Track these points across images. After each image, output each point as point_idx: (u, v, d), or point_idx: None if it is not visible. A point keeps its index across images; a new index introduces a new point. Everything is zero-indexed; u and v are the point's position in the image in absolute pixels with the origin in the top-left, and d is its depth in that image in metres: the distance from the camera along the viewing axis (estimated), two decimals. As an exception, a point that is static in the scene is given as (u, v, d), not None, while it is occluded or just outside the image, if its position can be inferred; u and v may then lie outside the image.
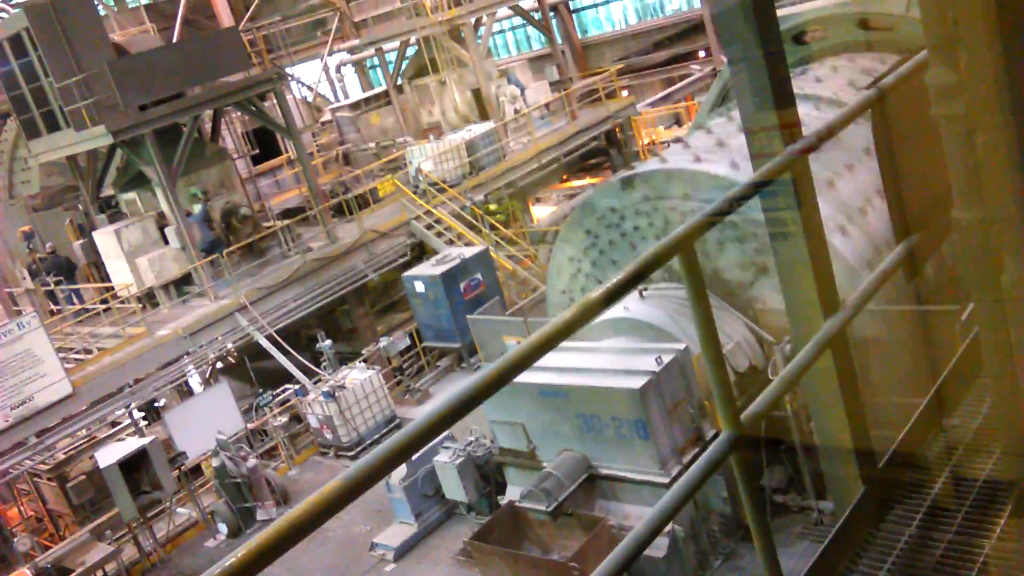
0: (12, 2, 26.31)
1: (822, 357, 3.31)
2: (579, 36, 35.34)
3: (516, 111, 25.26)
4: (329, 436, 16.45)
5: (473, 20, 25.72)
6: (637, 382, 9.40)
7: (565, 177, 27.71)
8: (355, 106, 29.29)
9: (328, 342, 17.85)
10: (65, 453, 16.42)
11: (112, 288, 19.64)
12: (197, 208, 19.87)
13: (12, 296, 22.66)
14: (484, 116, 25.74)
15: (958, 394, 3.90)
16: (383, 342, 18.24)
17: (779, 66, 3.86)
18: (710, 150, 11.03)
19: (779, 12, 4.14)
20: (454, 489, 12.54)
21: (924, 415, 3.81)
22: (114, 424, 17.33)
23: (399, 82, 28.09)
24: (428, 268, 18.48)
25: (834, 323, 3.38)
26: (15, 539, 16.42)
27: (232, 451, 15.17)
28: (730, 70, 4.04)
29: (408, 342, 18.65)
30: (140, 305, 18.68)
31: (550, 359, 8.18)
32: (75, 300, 20.63)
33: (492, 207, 23.32)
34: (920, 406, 3.83)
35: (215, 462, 15.15)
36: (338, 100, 34.77)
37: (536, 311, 14.55)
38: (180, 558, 15.18)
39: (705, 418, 10.00)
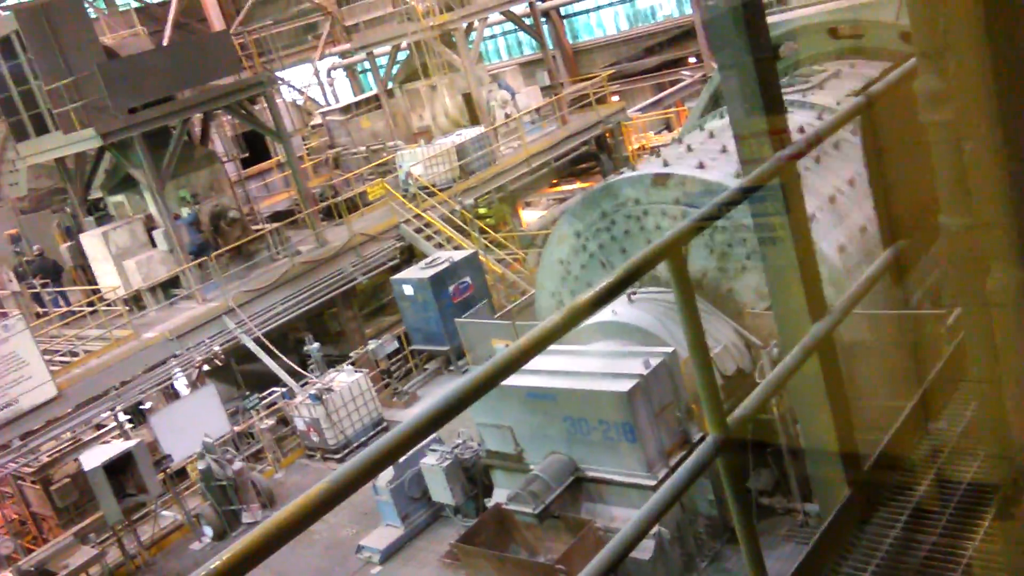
0: (2, 4, 26.20)
1: (809, 361, 3.33)
2: (570, 41, 35.42)
3: (507, 116, 25.28)
4: (316, 439, 16.41)
5: (464, 25, 25.74)
6: (625, 385, 9.41)
7: (555, 182, 27.75)
8: (345, 110, 29.25)
9: (316, 345, 17.82)
10: (49, 456, 16.30)
11: (99, 291, 19.56)
12: (186, 212, 19.82)
13: (-2, 298, 22.52)
14: (475, 121, 25.75)
15: (943, 398, 3.93)
16: (371, 345, 18.22)
17: (769, 72, 3.88)
18: (713, 155, 11.06)
19: (769, 19, 4.16)
20: (441, 492, 12.53)
21: (909, 418, 3.83)
22: (99, 427, 17.23)
23: (390, 86, 28.09)
24: (417, 271, 18.47)
25: (821, 327, 3.40)
26: (-1, 542, 16.33)
27: (218, 454, 15.12)
28: (720, 76, 4.06)
29: (396, 345, 18.63)
30: (127, 308, 18.60)
31: (538, 362, 8.20)
32: (61, 303, 20.53)
33: (482, 211, 23.34)
34: (906, 410, 3.85)
35: (201, 465, 15.09)
36: (328, 104, 34.71)
37: (525, 315, 14.55)
38: (165, 561, 15.11)
39: (692, 421, 10.02)
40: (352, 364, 17.60)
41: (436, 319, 17.90)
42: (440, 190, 22.30)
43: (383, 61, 28.36)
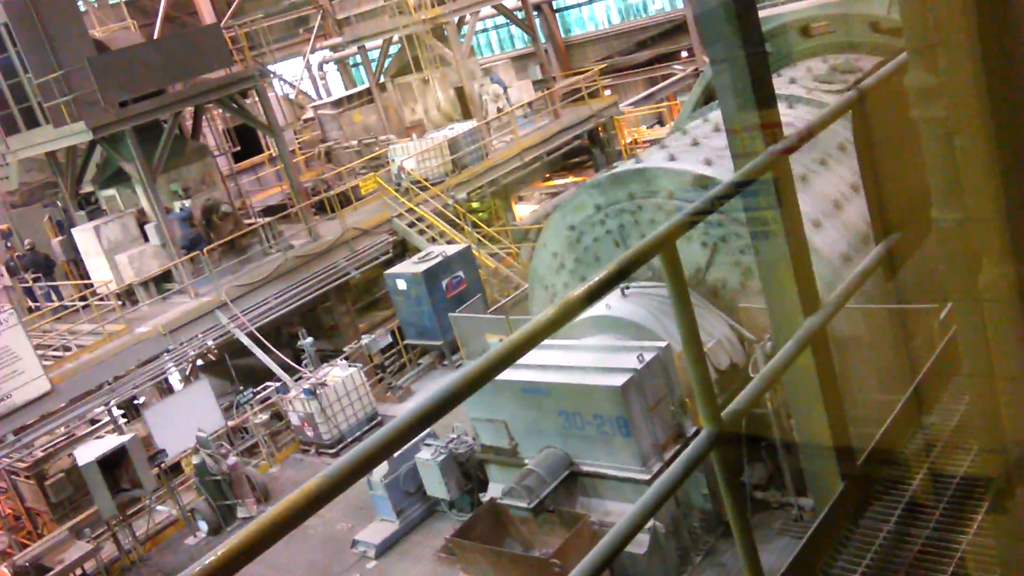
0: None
1: (802, 355, 3.34)
2: (562, 35, 35.39)
3: (499, 110, 25.27)
4: (310, 433, 16.41)
5: (456, 19, 25.70)
6: (619, 379, 9.43)
7: (548, 176, 27.74)
8: (337, 104, 29.19)
9: (309, 339, 17.80)
10: (43, 451, 16.29)
11: (91, 285, 19.51)
12: (178, 206, 19.77)
13: (-10, 293, 22.45)
14: (467, 114, 25.73)
15: (936, 392, 3.95)
16: (365, 339, 18.21)
17: (761, 66, 3.88)
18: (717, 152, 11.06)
19: (761, 13, 4.17)
20: (436, 486, 12.54)
21: (903, 413, 3.85)
22: (93, 421, 17.21)
23: (382, 80, 28.03)
24: (410, 266, 18.46)
25: (814, 321, 3.40)
26: (-8, 537, 16.31)
27: (212, 449, 15.11)
28: (712, 70, 4.06)
29: (390, 339, 18.62)
30: (119, 302, 18.55)
31: (532, 357, 8.20)
32: (53, 297, 20.47)
33: (475, 205, 23.34)
34: (899, 404, 3.87)
35: (195, 459, 15.09)
36: (320, 98, 34.64)
37: (518, 309, 14.56)
38: (160, 556, 15.10)
39: (686, 415, 10.05)
40: (346, 359, 17.59)
41: (430, 313, 17.91)
42: (433, 184, 22.28)
43: (375, 55, 28.31)
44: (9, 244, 21.43)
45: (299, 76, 35.28)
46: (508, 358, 2.20)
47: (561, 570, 9.30)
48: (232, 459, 15.17)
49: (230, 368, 18.60)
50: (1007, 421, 2.70)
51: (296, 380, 17.14)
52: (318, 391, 15.99)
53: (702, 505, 10.17)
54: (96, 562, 14.45)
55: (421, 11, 24.76)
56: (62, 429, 16.55)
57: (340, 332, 20.74)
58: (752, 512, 10.06)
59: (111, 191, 20.60)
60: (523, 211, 27.20)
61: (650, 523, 9.14)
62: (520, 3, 28.69)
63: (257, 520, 1.76)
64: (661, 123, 29.24)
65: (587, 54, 34.53)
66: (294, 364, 17.77)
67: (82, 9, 22.24)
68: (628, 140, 26.93)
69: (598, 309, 10.75)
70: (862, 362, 7.69)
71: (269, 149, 27.96)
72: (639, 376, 9.52)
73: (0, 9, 18.27)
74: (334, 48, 32.82)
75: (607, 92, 28.88)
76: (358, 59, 31.92)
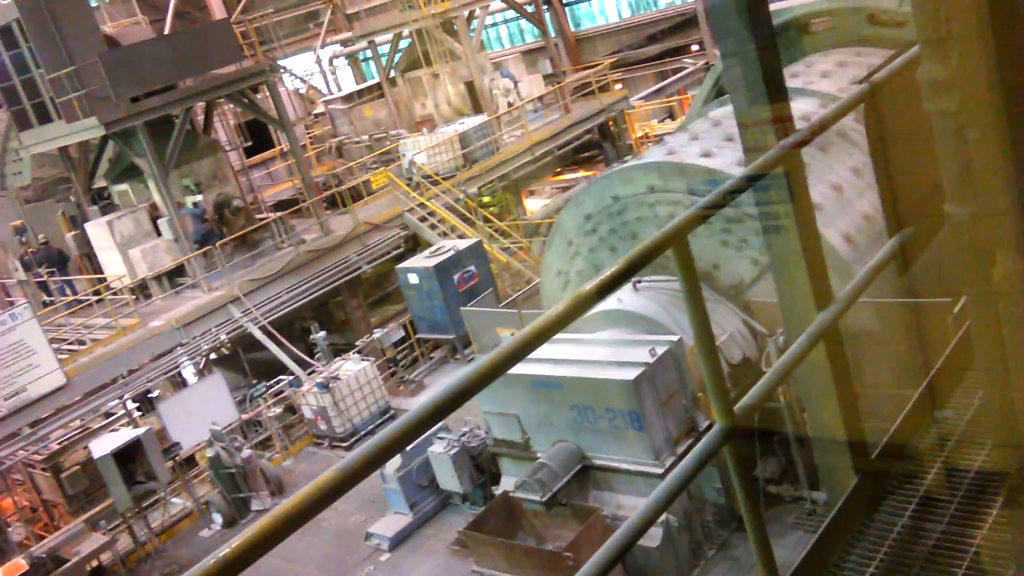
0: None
1: (815, 349, 3.33)
2: (572, 29, 35.28)
3: (509, 104, 25.23)
4: (323, 427, 16.47)
5: (466, 13, 25.65)
6: (631, 373, 9.43)
7: (559, 170, 27.69)
8: (348, 98, 29.20)
9: (322, 333, 17.85)
10: (59, 444, 16.40)
11: (105, 279, 19.60)
12: (190, 201, 19.84)
13: (4, 287, 22.60)
14: (477, 109, 25.70)
15: (950, 386, 3.93)
16: (377, 333, 18.25)
17: (772, 60, 3.87)
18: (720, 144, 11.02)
19: (772, 6, 4.15)
20: (448, 479, 12.57)
21: (917, 407, 3.84)
22: (108, 415, 17.31)
23: (392, 75, 28.02)
24: (422, 260, 18.48)
25: (827, 315, 3.40)
26: (10, 529, 16.43)
27: (226, 442, 15.18)
28: (723, 64, 4.05)
29: (402, 333, 18.65)
30: (133, 296, 18.64)
31: (544, 351, 8.20)
32: (67, 291, 20.58)
33: (486, 199, 23.32)
34: (913, 398, 3.85)
35: (209, 453, 15.16)
36: (331, 92, 34.66)
37: (529, 303, 14.56)
38: (175, 548, 15.19)
39: (699, 409, 10.04)
40: (358, 353, 17.64)
41: (441, 308, 17.93)
42: (443, 179, 22.28)
43: (385, 49, 28.29)
44: (24, 239, 21.54)
45: (309, 71, 35.31)
46: (520, 352, 2.20)
47: (574, 564, 9.32)
48: (246, 452, 15.24)
49: (243, 362, 18.67)
50: (1022, 416, 2.69)
51: (309, 374, 17.19)
52: (331, 385, 16.04)
53: (715, 499, 10.16)
54: (112, 554, 14.57)
55: (431, 5, 24.73)
56: (77, 422, 16.65)
57: (352, 326, 20.78)
58: (765, 506, 10.05)
59: (123, 186, 20.68)
60: (534, 205, 27.18)
61: (663, 517, 9.14)
62: (530, -4, 28.64)
63: (271, 513, 1.77)
64: (672, 117, 29.14)
65: (597, 48, 34.42)
66: (307, 358, 17.83)
67: (93, 5, 22.32)
68: (639, 134, 26.85)
69: (610, 303, 10.74)
70: (875, 356, 7.67)
71: (280, 144, 28.02)
72: (651, 370, 9.51)
73: (12, 5, 18.35)
74: (344, 43, 32.84)
75: (618, 86, 28.79)
76: (368, 54, 31.92)
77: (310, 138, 29.22)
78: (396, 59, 28.01)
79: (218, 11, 30.26)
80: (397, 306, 21.53)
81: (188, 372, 18.60)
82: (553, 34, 32.52)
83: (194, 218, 19.53)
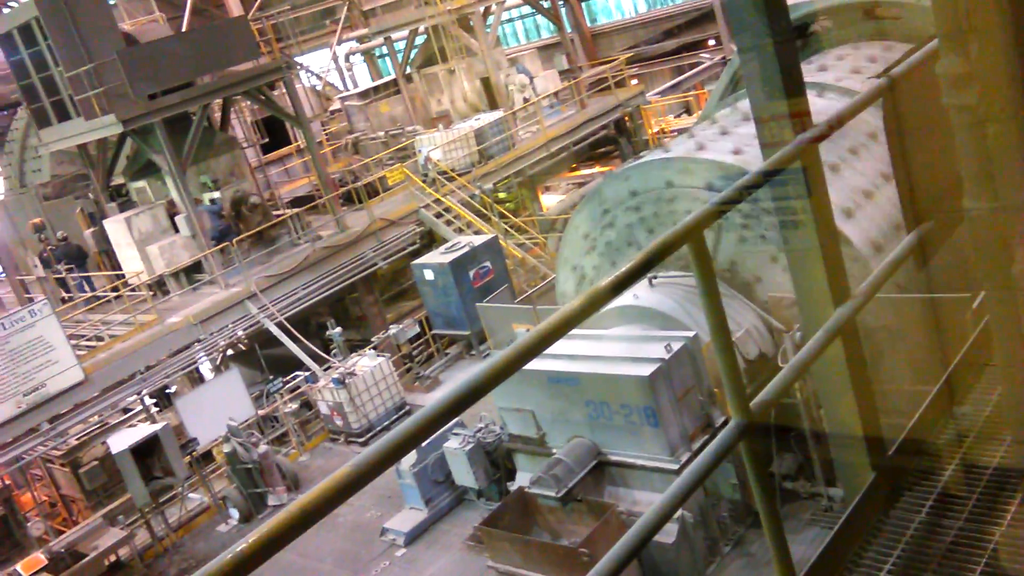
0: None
1: (832, 345, 3.31)
2: (588, 24, 35.20)
3: (525, 100, 25.20)
4: (339, 423, 16.52)
5: (482, 9, 25.65)
6: (646, 369, 9.41)
7: (574, 166, 27.65)
8: (364, 95, 29.26)
9: (338, 329, 17.91)
10: (78, 439, 16.53)
11: (123, 276, 19.73)
12: (207, 197, 19.94)
13: (24, 284, 22.79)
14: (493, 105, 25.70)
15: (969, 382, 3.90)
16: (393, 329, 18.29)
17: (789, 55, 3.84)
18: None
19: (789, 1, 4.12)
20: (464, 475, 12.59)
21: (934, 403, 3.81)
22: (126, 410, 17.43)
23: (408, 71, 28.06)
24: (437, 256, 18.50)
25: (844, 311, 3.38)
26: (29, 524, 16.59)
27: (243, 437, 15.25)
28: (740, 59, 4.03)
29: (418, 329, 18.68)
30: (151, 293, 18.75)
31: (559, 347, 8.21)
32: (86, 288, 20.72)
33: (501, 195, 23.32)
34: (930, 394, 3.83)
35: (226, 448, 15.24)
36: (347, 89, 34.75)
37: (545, 299, 14.55)
38: (192, 543, 15.29)
39: (715, 405, 10.01)
40: (374, 348, 17.69)
41: (457, 304, 17.95)
42: (459, 175, 22.30)
43: (401, 46, 28.32)
44: (43, 236, 21.72)
45: (326, 67, 35.40)
46: (535, 348, 2.20)
47: (589, 559, 9.31)
48: (263, 448, 15.31)
49: (260, 358, 18.75)
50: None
51: (325, 370, 17.25)
52: (347, 381, 16.09)
53: (731, 495, 10.14)
54: (130, 549, 14.66)
55: (447, 1, 24.74)
56: (96, 418, 16.77)
57: (368, 322, 20.84)
58: (781, 502, 10.02)
59: (141, 183, 20.81)
60: (549, 201, 27.15)
61: (678, 513, 9.13)
62: (546, -8, 28.58)
63: (287, 508, 1.78)
64: (688, 112, 29.04)
65: (613, 43, 34.33)
66: (323, 354, 17.89)
67: (111, 2, 22.44)
68: (655, 130, 26.77)
69: (625, 299, 10.72)
70: (892, 352, 7.62)
71: (297, 141, 28.10)
72: (667, 366, 9.49)
73: (31, 4, 18.48)
74: (360, 39, 32.94)
75: (634, 81, 28.73)
76: (384, 50, 31.97)
77: (326, 135, 29.30)
78: (412, 55, 28.04)
79: (235, 8, 30.36)
80: (413, 302, 21.57)
81: (205, 368, 18.71)
82: (569, 29, 32.47)
83: (211, 215, 19.63)
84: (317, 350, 17.95)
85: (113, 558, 14.41)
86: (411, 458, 12.79)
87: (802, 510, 9.98)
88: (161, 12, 23.42)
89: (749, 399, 2.77)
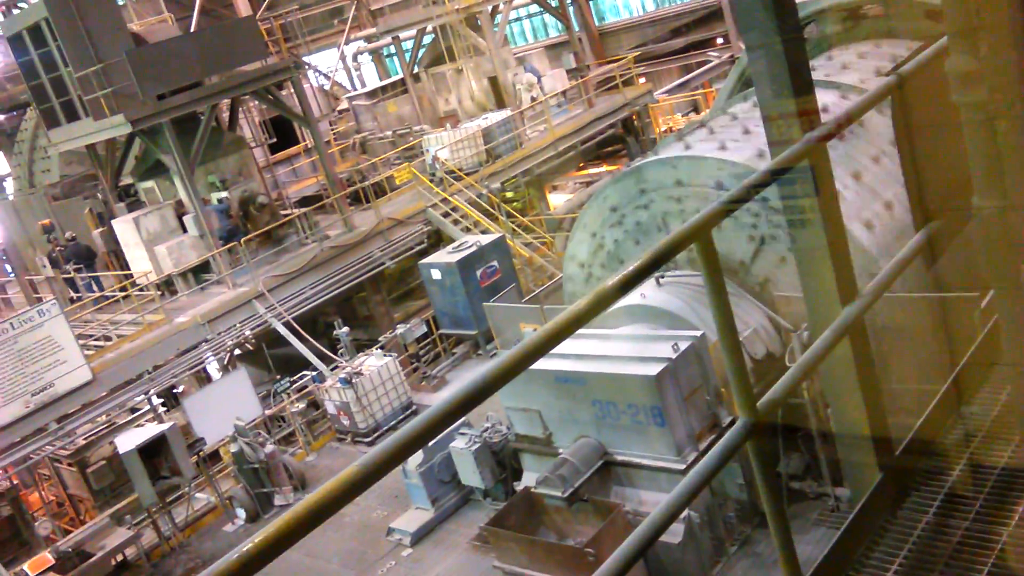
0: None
1: (840, 344, 3.30)
2: (596, 23, 35.18)
3: (533, 99, 25.19)
4: (346, 422, 16.54)
5: (490, 8, 25.65)
6: (653, 369, 9.39)
7: (582, 165, 27.64)
8: (372, 94, 29.29)
9: (345, 329, 17.92)
10: (85, 439, 16.57)
11: (131, 275, 19.78)
12: (215, 197, 19.98)
13: (32, 284, 22.87)
14: (501, 104, 25.69)
15: (977, 382, 3.89)
16: (400, 329, 18.30)
17: (797, 53, 3.83)
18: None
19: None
20: (470, 475, 12.58)
21: (942, 402, 3.80)
22: (133, 410, 17.48)
23: (416, 70, 28.07)
24: (445, 255, 18.51)
25: (852, 310, 3.37)
26: (36, 523, 16.65)
27: (250, 437, 15.27)
28: (748, 57, 4.02)
29: (425, 329, 18.69)
30: (159, 292, 18.79)
31: (566, 346, 8.19)
32: (94, 288, 20.78)
33: (509, 195, 23.32)
34: (938, 393, 3.81)
35: (233, 448, 15.26)
36: (355, 88, 34.79)
37: (552, 298, 14.54)
38: (199, 542, 15.32)
39: (722, 405, 9.99)
40: (381, 348, 17.70)
41: (464, 303, 17.95)
42: (467, 174, 22.30)
43: (409, 45, 28.34)
44: (52, 237, 21.79)
45: (334, 67, 35.43)
46: (542, 348, 2.20)
47: (595, 559, 9.30)
48: (269, 447, 15.33)
49: (267, 357, 18.79)
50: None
51: (332, 369, 17.27)
52: (354, 380, 16.10)
53: (737, 495, 10.11)
54: (136, 548, 14.71)
55: (455, 1, 24.74)
56: (103, 417, 16.82)
57: (375, 322, 20.86)
58: (788, 502, 9.99)
59: (150, 183, 20.86)
60: (557, 200, 27.14)
61: (685, 513, 9.11)
62: (554, -9, 28.56)
63: (294, 508, 1.78)
64: (696, 111, 29.00)
65: (621, 42, 34.30)
66: (330, 353, 17.91)
67: (120, 3, 22.50)
68: (663, 128, 26.74)
69: (633, 298, 10.70)
70: (900, 351, 7.60)
71: (304, 140, 28.13)
72: (674, 365, 9.47)
73: (41, 4, 18.54)
74: (368, 39, 32.93)
75: (641, 80, 28.68)
76: (392, 50, 32.00)
77: (334, 134, 29.33)
78: (420, 55, 28.05)
79: (243, 8, 30.42)
80: (420, 302, 21.58)
81: (212, 368, 18.75)
82: (577, 28, 32.45)
83: (219, 214, 19.67)
84: (324, 350, 17.97)
85: (120, 558, 14.47)
86: (417, 458, 12.80)
87: (809, 510, 9.95)
88: (170, 12, 23.47)
89: (756, 399, 2.76)
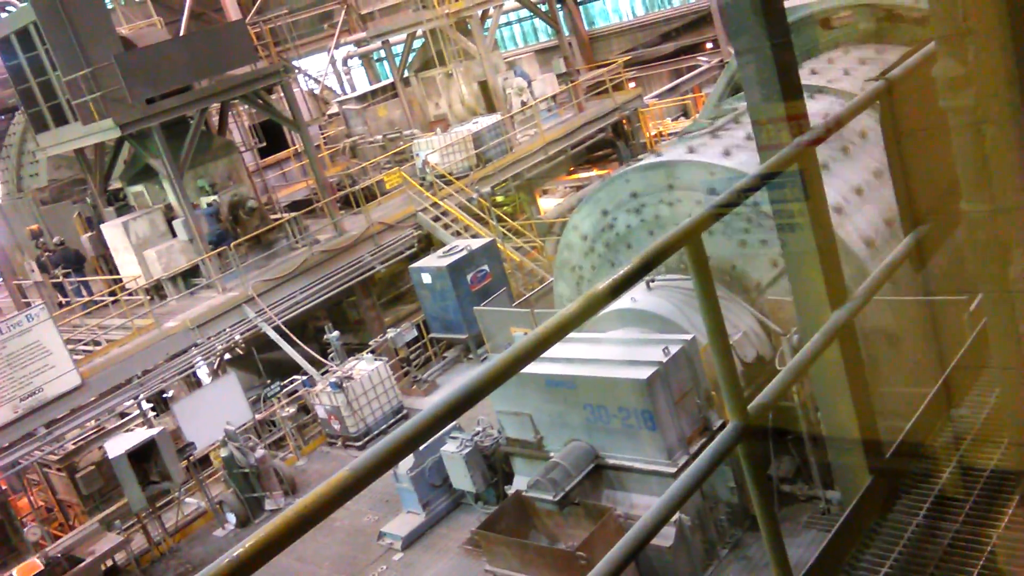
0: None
1: (830, 347, 3.31)
2: (586, 28, 35.24)
3: (523, 103, 25.22)
4: (337, 427, 16.51)
5: (480, 12, 25.67)
6: (644, 372, 9.40)
7: (572, 169, 27.68)
8: (362, 99, 29.27)
9: (335, 333, 17.90)
10: (74, 444, 16.50)
11: (120, 280, 19.71)
12: (205, 202, 19.93)
13: (21, 288, 22.77)
14: (491, 108, 25.71)
15: (966, 384, 3.91)
16: (390, 333, 18.28)
17: (787, 57, 3.85)
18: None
19: (786, 3, 4.13)
20: (461, 479, 12.57)
21: (932, 405, 3.81)
22: (123, 415, 17.41)
23: (406, 75, 28.07)
24: (435, 260, 18.50)
25: (841, 314, 3.38)
26: (25, 529, 16.54)
27: (240, 442, 15.23)
28: (737, 62, 4.03)
29: (415, 333, 18.68)
30: (148, 297, 18.73)
31: (557, 350, 8.19)
32: (83, 292, 20.71)
33: (499, 199, 23.33)
34: (928, 396, 3.83)
35: (223, 452, 15.22)
36: (345, 93, 34.73)
37: (543, 302, 14.55)
38: (189, 548, 15.26)
39: (712, 408, 10.01)
40: (372, 352, 17.68)
41: (455, 307, 17.95)
42: (457, 178, 22.31)
43: (399, 49, 28.35)
44: (40, 241, 21.70)
45: (324, 71, 35.41)
46: (533, 352, 2.20)
47: (587, 563, 9.30)
48: (260, 452, 15.30)
49: (257, 362, 18.74)
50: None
51: (323, 374, 17.24)
52: (344, 385, 16.08)
53: (728, 498, 10.13)
54: (126, 553, 14.65)
55: (444, 5, 24.75)
56: (92, 422, 16.74)
57: (366, 326, 20.84)
58: (779, 505, 10.01)
59: (139, 187, 20.80)
60: (547, 204, 27.17)
61: (676, 516, 9.12)
62: (544, -4, 28.60)
63: (284, 513, 1.78)
64: (686, 115, 29.08)
65: (611, 46, 34.37)
66: (320, 358, 17.88)
67: (109, 6, 22.45)
68: (653, 133, 26.80)
69: (623, 302, 10.71)
70: (890, 354, 7.63)
71: (294, 144, 28.12)
72: (664, 369, 9.48)
73: (29, 8, 18.47)
74: (358, 43, 32.93)
75: (631, 85, 28.76)
76: (382, 54, 31.98)
77: (324, 138, 29.31)
78: (410, 59, 28.05)
79: (233, 12, 30.37)
80: (410, 306, 21.57)
81: (202, 372, 18.68)
82: (567, 33, 32.49)
83: (209, 219, 19.62)
84: (315, 354, 17.93)
85: (109, 563, 14.39)
86: (408, 462, 12.79)
87: (800, 513, 9.97)
88: (159, 16, 23.44)
89: (746, 402, 2.77)
